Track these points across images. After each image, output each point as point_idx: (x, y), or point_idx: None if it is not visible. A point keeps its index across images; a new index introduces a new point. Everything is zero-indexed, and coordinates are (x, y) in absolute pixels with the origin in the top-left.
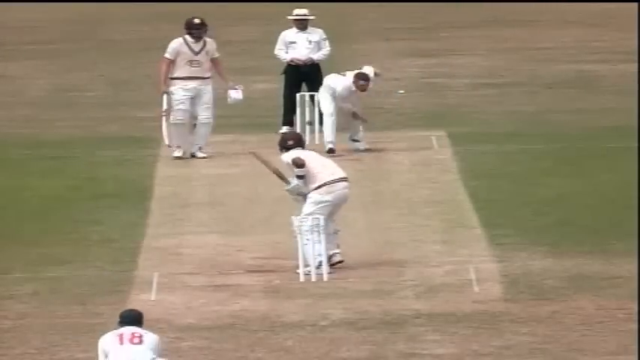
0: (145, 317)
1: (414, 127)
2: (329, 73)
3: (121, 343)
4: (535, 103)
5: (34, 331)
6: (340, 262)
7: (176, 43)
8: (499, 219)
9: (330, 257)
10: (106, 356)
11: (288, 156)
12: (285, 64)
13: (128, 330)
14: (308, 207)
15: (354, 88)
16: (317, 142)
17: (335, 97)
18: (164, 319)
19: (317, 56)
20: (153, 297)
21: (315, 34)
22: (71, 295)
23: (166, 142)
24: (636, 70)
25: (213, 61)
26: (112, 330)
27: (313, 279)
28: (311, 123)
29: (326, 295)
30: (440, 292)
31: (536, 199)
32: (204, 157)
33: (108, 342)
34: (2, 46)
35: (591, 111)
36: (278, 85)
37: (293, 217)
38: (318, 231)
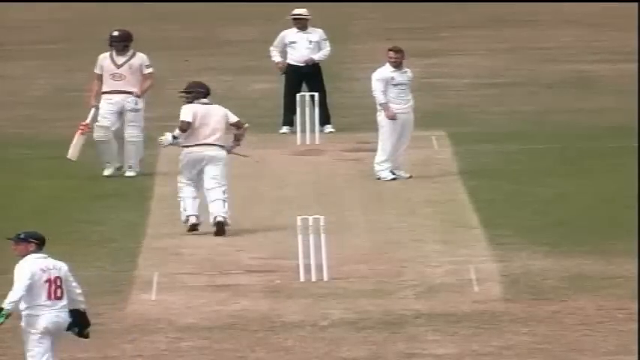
0: (145, 317)
1: (414, 126)
2: (329, 74)
3: (49, 297)
4: (535, 103)
5: None
6: (221, 223)
7: (101, 57)
8: (499, 219)
9: (214, 218)
10: (29, 288)
11: (183, 113)
12: (286, 64)
13: (51, 273)
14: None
15: (391, 70)
16: (319, 141)
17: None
18: (164, 319)
19: (317, 56)
20: (153, 297)
21: (315, 34)
22: None
23: (69, 154)
24: (636, 70)
25: (143, 76)
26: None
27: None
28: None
29: (326, 295)
30: (440, 292)
31: (536, 199)
32: (132, 176)
33: (38, 283)
34: (2, 46)
35: (591, 111)
36: (278, 85)
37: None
38: (196, 188)
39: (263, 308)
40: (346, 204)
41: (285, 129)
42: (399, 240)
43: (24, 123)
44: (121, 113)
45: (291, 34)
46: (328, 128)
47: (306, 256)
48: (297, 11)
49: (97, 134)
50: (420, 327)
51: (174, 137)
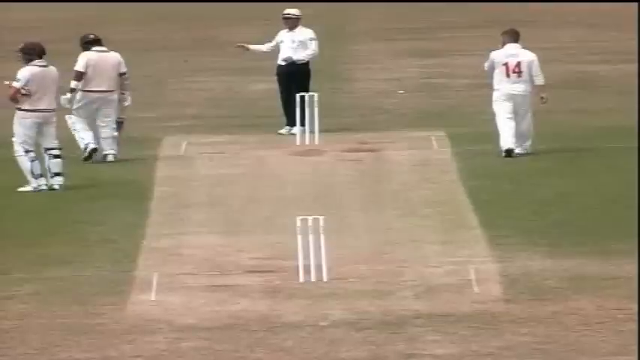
0: (145, 317)
1: (414, 127)
2: (329, 74)
3: None
4: (535, 103)
5: (34, 332)
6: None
7: None
8: (499, 219)
9: (104, 156)
10: None
11: (78, 64)
12: (242, 46)
13: None
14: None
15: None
16: (319, 141)
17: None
18: (164, 320)
19: (298, 56)
20: (153, 297)
21: (302, 34)
22: (71, 295)
23: None
24: (636, 70)
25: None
26: None
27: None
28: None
29: (326, 295)
30: (440, 293)
31: (536, 199)
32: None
33: None
34: (2, 46)
35: (591, 111)
36: (277, 85)
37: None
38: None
39: (263, 309)
40: (346, 204)
41: (285, 130)
42: (399, 240)
43: None
44: None
45: (282, 33)
46: (294, 130)
47: (306, 256)
48: (286, 11)
49: None
50: (419, 327)
51: (72, 89)
